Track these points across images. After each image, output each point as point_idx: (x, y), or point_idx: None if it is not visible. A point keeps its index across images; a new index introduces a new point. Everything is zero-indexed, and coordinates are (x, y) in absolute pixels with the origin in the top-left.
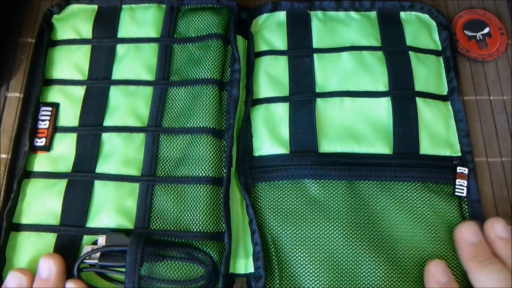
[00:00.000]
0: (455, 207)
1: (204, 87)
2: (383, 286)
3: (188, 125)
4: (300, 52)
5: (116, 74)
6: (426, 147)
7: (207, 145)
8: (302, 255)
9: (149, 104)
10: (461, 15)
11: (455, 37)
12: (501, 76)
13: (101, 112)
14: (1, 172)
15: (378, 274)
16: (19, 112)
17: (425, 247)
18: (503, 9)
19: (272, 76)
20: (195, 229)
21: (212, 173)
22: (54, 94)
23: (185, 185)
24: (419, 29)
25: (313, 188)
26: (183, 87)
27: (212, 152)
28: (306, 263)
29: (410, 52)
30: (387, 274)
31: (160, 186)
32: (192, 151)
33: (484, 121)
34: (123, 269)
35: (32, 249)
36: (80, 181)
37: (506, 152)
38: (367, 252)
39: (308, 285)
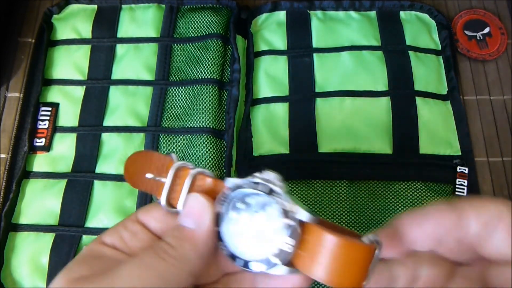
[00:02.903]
0: None
1: (203, 87)
2: None
3: (187, 125)
4: (300, 52)
5: (116, 74)
6: (426, 147)
7: (207, 145)
8: None
9: (149, 104)
10: (461, 15)
11: (456, 37)
12: (501, 76)
13: (101, 112)
14: (1, 172)
15: None
16: (19, 112)
17: None
18: (503, 9)
19: (272, 75)
20: None
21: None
22: (54, 94)
23: None
24: (418, 29)
25: (313, 188)
26: (183, 87)
27: (212, 152)
28: None
29: (409, 52)
30: None
31: None
32: (192, 151)
33: (484, 121)
34: None
35: (31, 249)
36: (80, 181)
37: (507, 152)
38: None
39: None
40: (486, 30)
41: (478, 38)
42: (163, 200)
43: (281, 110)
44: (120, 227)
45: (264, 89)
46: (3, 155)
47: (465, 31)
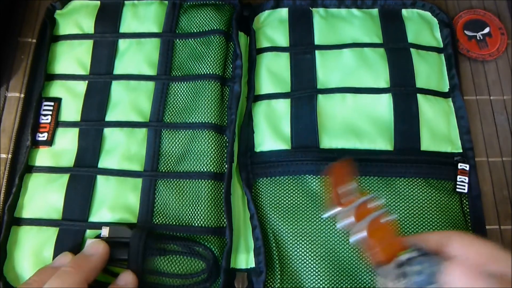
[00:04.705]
0: (456, 203)
1: (206, 82)
2: None
3: (190, 120)
4: (302, 49)
5: (118, 69)
6: (427, 144)
7: (209, 141)
8: (303, 250)
9: (151, 99)
10: (461, 15)
11: (456, 37)
12: (501, 76)
13: (103, 107)
14: (0, 172)
15: None
16: (21, 107)
17: None
18: (503, 9)
19: (274, 72)
20: (196, 224)
21: (214, 168)
22: (56, 89)
23: (187, 180)
24: (420, 27)
25: (314, 183)
26: (185, 82)
27: (214, 148)
28: (307, 258)
29: (411, 49)
30: None
31: (163, 181)
32: (194, 146)
33: (484, 121)
34: (126, 262)
35: (34, 243)
36: (82, 176)
37: (507, 152)
38: None
39: (309, 280)
40: (486, 30)
41: (478, 38)
42: (352, 209)
43: (283, 107)
44: None
45: (266, 85)
46: (3, 155)
47: (465, 31)
